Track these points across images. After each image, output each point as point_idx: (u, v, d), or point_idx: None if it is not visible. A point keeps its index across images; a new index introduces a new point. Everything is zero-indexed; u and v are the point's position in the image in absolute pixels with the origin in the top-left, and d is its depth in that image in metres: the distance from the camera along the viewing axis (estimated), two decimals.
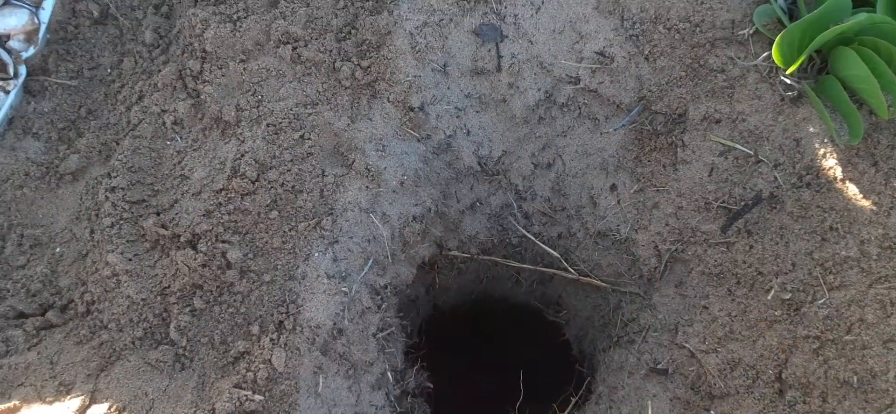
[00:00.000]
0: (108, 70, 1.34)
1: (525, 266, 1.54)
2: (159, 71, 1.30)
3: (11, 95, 1.25)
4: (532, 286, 1.64)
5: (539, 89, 1.41)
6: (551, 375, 1.73)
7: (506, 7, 1.40)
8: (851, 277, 1.12)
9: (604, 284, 1.48)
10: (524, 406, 1.39)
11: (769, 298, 1.18)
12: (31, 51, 1.29)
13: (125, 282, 1.14)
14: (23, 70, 1.28)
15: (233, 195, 1.19)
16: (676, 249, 1.34)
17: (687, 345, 1.26)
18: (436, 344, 1.67)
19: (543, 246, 1.49)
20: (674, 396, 1.24)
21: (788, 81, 1.23)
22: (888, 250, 1.12)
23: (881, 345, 1.05)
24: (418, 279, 1.47)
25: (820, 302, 1.12)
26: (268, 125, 1.24)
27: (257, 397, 1.09)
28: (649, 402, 1.24)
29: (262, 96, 1.27)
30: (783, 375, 1.12)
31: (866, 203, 1.15)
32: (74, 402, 1.04)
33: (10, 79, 1.25)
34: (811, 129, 1.23)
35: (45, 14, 1.30)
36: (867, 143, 1.19)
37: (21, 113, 1.27)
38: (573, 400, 1.36)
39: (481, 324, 1.84)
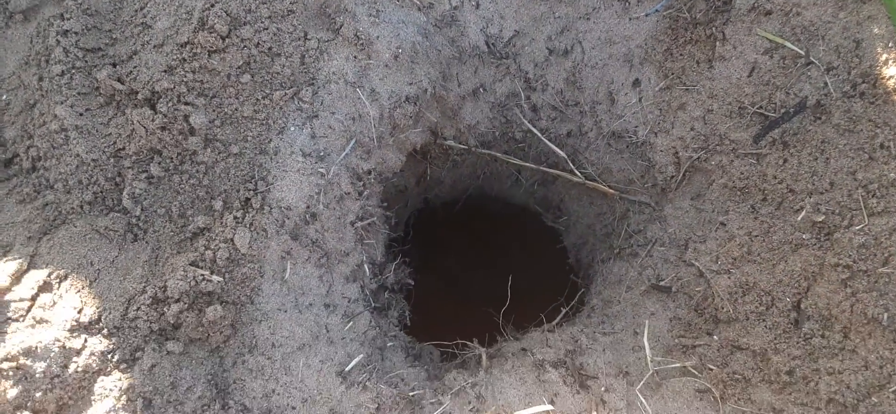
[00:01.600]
0: None
1: (527, 165, 1.40)
2: None
3: None
4: (533, 187, 1.50)
5: None
6: (544, 282, 1.64)
7: None
8: None
9: (612, 191, 1.34)
10: (511, 312, 1.30)
11: (799, 218, 1.04)
12: None
13: (74, 139, 1.02)
14: None
15: (199, 51, 1.04)
16: (699, 158, 1.19)
17: (696, 263, 1.14)
18: (423, 240, 1.57)
19: (550, 144, 1.34)
20: (674, 316, 1.14)
21: None
22: None
23: None
24: (408, 168, 1.34)
25: (856, 228, 0.98)
26: None
27: (215, 278, 0.99)
28: (646, 320, 1.13)
29: None
30: (802, 305, 1.00)
31: None
32: (10, 265, 0.94)
33: None
34: (876, 30, 1.04)
35: None
36: None
37: None
38: (563, 310, 1.25)
39: (475, 223, 1.72)
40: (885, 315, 0.91)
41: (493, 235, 1.79)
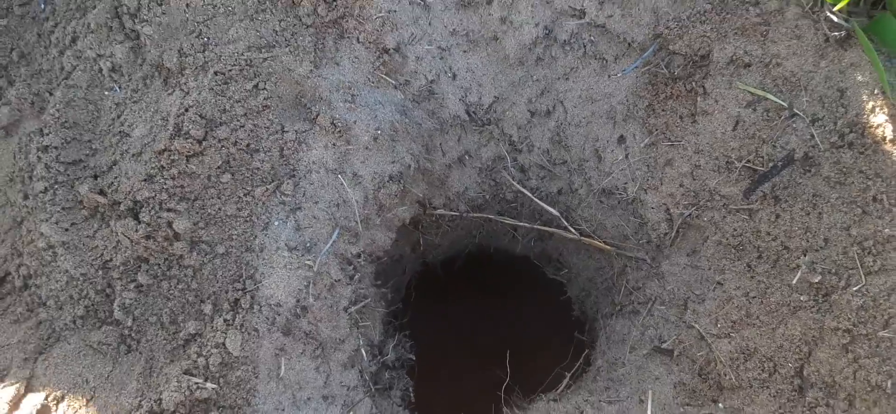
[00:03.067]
0: (42, 5, 1.17)
1: (521, 224, 1.39)
2: (93, 7, 1.12)
3: None
4: (530, 243, 1.49)
5: (537, 24, 1.20)
6: (551, 332, 1.62)
7: None
8: (894, 260, 0.95)
9: (607, 247, 1.32)
10: (519, 368, 1.29)
11: (795, 279, 1.01)
12: None
13: (62, 255, 1.02)
14: None
15: (177, 157, 1.04)
16: (691, 214, 1.17)
17: (696, 325, 1.12)
18: (427, 301, 1.56)
19: (541, 203, 1.33)
20: (679, 381, 1.11)
21: (836, 18, 1.01)
22: None
23: None
24: (401, 239, 1.33)
25: (854, 288, 0.96)
26: (216, 73, 1.07)
27: (210, 385, 0.99)
28: (650, 388, 1.11)
29: (208, 38, 1.09)
30: (805, 372, 0.97)
31: None
32: (8, 391, 0.95)
33: None
34: (859, 78, 1.02)
35: None
36: None
37: None
38: (565, 379, 1.24)
39: (477, 277, 1.71)
40: (889, 382, 0.89)
41: (497, 286, 1.78)
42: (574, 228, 1.35)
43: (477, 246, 1.56)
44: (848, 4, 1.01)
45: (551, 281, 1.58)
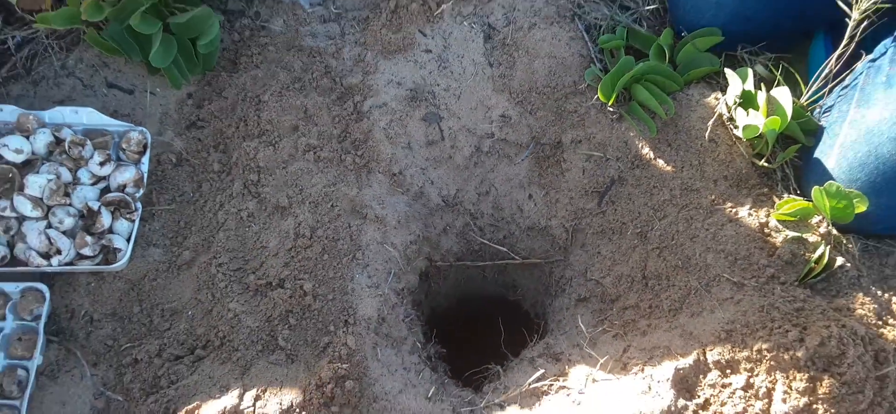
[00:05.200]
0: (191, 194, 2.00)
1: (487, 263, 2.28)
2: (230, 187, 1.98)
3: (136, 223, 1.89)
4: (495, 277, 2.38)
5: (470, 146, 2.19)
6: (520, 336, 2.44)
7: (438, 100, 2.19)
8: (669, 210, 1.95)
9: (539, 261, 2.24)
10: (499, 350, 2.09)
11: (628, 235, 1.99)
12: (141, 192, 1.93)
13: (243, 317, 1.78)
14: (139, 206, 1.92)
15: (299, 250, 1.87)
16: (575, 224, 2.13)
17: (593, 278, 2.04)
18: (439, 332, 2.35)
19: (494, 246, 2.25)
20: (593, 309, 2.00)
21: (611, 110, 2.09)
22: (685, 191, 1.96)
23: (690, 241, 1.87)
24: (420, 287, 2.17)
25: (655, 229, 1.94)
26: (310, 202, 1.94)
27: (344, 366, 1.74)
28: (579, 317, 1.99)
29: (301, 186, 1.97)
30: (645, 274, 1.91)
31: (669, 168, 2.01)
32: (233, 393, 1.65)
33: (133, 212, 1.89)
34: (631, 134, 2.09)
35: (144, 166, 1.95)
36: (662, 135, 2.06)
37: (142, 233, 1.90)
38: (535, 337, 2.09)
39: (467, 315, 2.53)
40: (680, 262, 1.84)
41: (480, 318, 2.60)
42: (517, 256, 2.26)
43: (462, 292, 2.41)
44: (615, 102, 2.10)
45: (513, 303, 2.44)
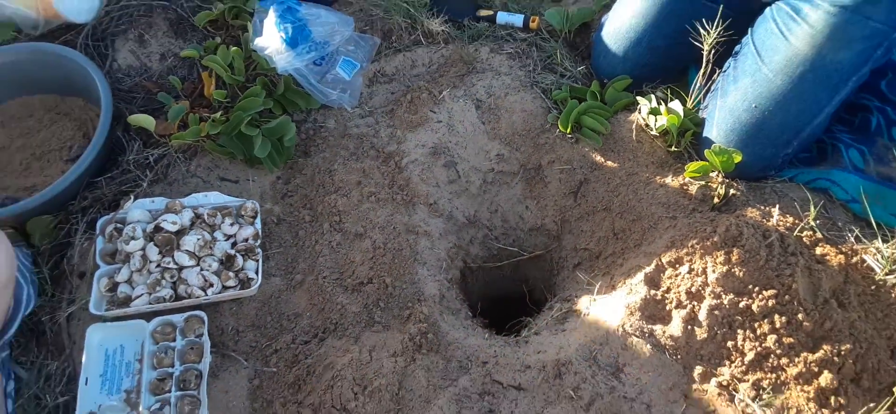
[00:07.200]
0: (291, 240, 2.82)
1: (503, 263, 3.10)
2: (320, 228, 2.80)
3: (259, 262, 2.69)
4: (511, 274, 3.19)
5: (479, 179, 3.09)
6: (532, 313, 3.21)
7: (452, 151, 3.11)
8: (621, 190, 2.85)
9: (541, 252, 3.08)
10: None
11: (599, 212, 2.87)
12: (259, 242, 2.74)
13: (348, 306, 2.54)
14: (259, 250, 2.73)
15: (376, 259, 2.67)
16: (561, 218, 3.01)
17: (581, 247, 2.89)
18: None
19: (508, 247, 3.08)
20: (585, 268, 2.83)
21: (570, 136, 3.05)
22: (629, 175, 2.88)
23: (638, 203, 2.76)
24: (461, 284, 2.96)
25: (615, 203, 2.83)
26: (378, 228, 2.77)
27: (424, 325, 2.49)
28: (577, 274, 2.81)
29: (370, 219, 2.80)
30: (614, 232, 2.77)
31: (615, 164, 2.93)
32: (354, 350, 2.39)
33: (257, 254, 2.69)
34: (586, 149, 3.03)
35: (258, 225, 2.77)
36: (606, 145, 3.01)
37: (265, 269, 2.69)
38: (548, 302, 2.88)
39: (493, 312, 3.29)
40: (635, 216, 2.72)
41: (504, 312, 3.36)
42: (525, 252, 3.09)
43: (487, 293, 3.19)
44: (571, 131, 3.06)
45: (528, 291, 3.23)
